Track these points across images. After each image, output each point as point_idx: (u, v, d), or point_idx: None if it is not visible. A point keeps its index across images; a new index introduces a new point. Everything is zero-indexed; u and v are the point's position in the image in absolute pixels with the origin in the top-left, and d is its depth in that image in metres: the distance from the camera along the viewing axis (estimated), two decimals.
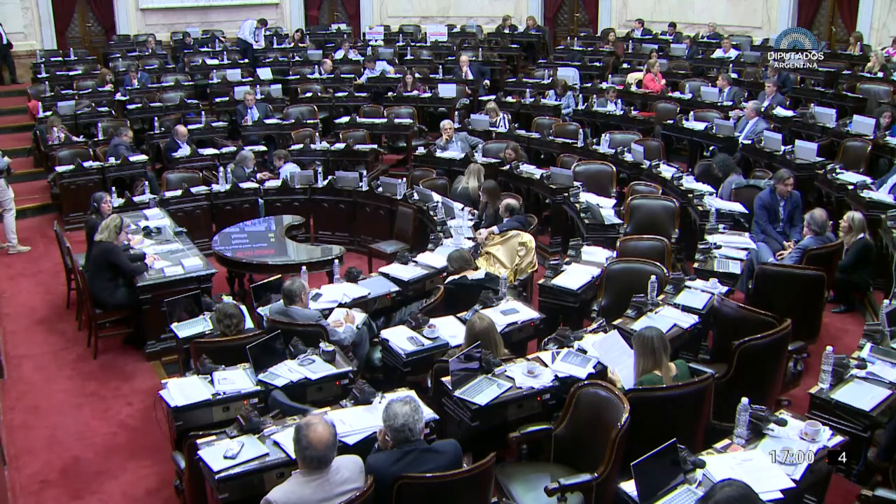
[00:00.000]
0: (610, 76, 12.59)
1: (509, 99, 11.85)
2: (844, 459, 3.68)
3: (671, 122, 10.08)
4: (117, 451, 5.12)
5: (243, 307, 5.38)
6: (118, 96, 12.11)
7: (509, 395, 4.25)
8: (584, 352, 4.66)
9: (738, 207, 7.15)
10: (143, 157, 9.55)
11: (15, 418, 5.51)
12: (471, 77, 12.83)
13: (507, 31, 15.70)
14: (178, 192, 8.37)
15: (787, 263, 6.12)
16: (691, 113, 10.17)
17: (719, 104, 10.43)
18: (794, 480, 3.45)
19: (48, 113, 10.77)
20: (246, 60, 14.05)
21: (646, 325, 4.66)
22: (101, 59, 14.57)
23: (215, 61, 13.83)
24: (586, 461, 3.80)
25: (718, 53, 12.97)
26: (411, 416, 3.42)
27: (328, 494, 3.24)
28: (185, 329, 5.35)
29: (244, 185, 8.61)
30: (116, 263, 6.18)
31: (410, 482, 3.32)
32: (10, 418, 5.51)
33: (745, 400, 3.76)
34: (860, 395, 4.12)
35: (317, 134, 10.36)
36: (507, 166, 8.85)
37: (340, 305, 5.53)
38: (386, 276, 6.13)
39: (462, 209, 7.31)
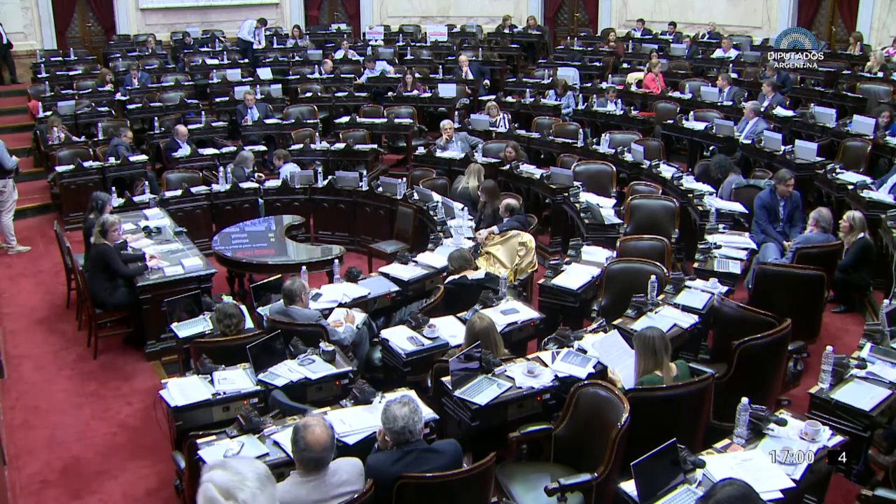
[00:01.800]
0: (610, 76, 12.60)
1: (509, 99, 11.85)
2: (844, 459, 3.68)
3: (671, 122, 10.08)
4: (117, 451, 5.12)
5: (243, 307, 5.38)
6: (118, 96, 12.12)
7: (509, 395, 4.25)
8: (584, 352, 4.66)
9: (738, 207, 7.15)
10: (143, 157, 9.56)
11: (15, 418, 5.51)
12: (471, 77, 12.83)
13: (507, 31, 15.70)
14: (178, 192, 8.37)
15: (786, 262, 6.13)
16: (691, 113, 10.17)
17: (719, 104, 10.43)
18: (794, 480, 3.45)
19: (48, 113, 10.78)
20: (246, 60, 14.06)
21: (646, 325, 4.67)
22: (101, 59, 14.57)
23: (215, 61, 13.83)
24: (586, 461, 3.80)
25: (718, 53, 12.97)
26: (410, 418, 3.41)
27: (324, 496, 3.23)
28: (185, 329, 5.35)
29: (244, 185, 8.61)
30: (112, 266, 6.18)
31: (410, 482, 3.32)
32: (10, 418, 5.51)
33: (745, 400, 3.76)
34: (860, 395, 4.12)
35: (317, 134, 10.36)
36: (507, 166, 8.86)
37: (340, 305, 5.53)
38: (386, 276, 6.13)
39: (462, 209, 7.31)
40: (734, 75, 11.44)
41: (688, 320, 5.08)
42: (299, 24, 16.51)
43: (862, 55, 11.90)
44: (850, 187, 7.30)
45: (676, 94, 11.29)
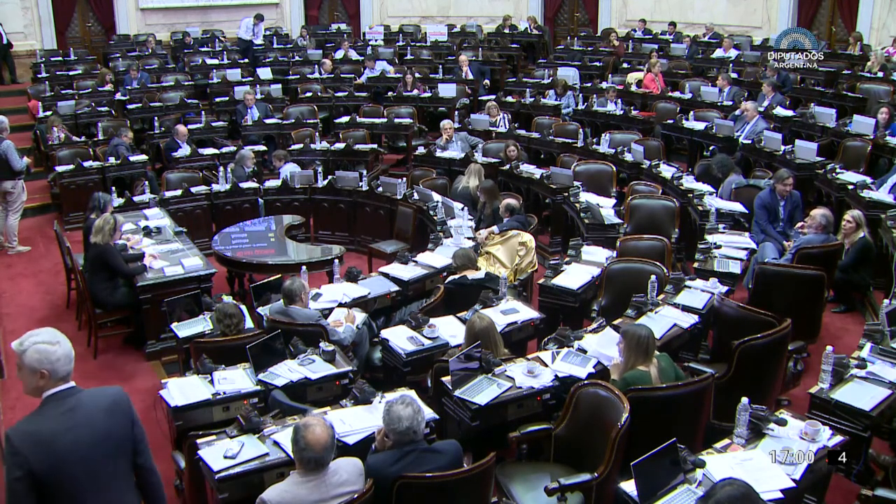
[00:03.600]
0: (610, 76, 12.60)
1: (509, 99, 11.86)
2: (844, 459, 3.67)
3: (671, 121, 10.08)
4: None
5: (243, 307, 5.38)
6: (118, 96, 12.13)
7: (509, 394, 4.25)
8: (584, 352, 4.66)
9: (738, 207, 7.15)
10: (143, 157, 9.57)
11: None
12: (471, 77, 12.83)
13: (507, 31, 15.70)
14: (178, 192, 8.37)
15: (786, 262, 6.13)
16: (691, 113, 10.17)
17: (719, 104, 10.43)
18: (794, 480, 3.45)
19: (48, 113, 10.79)
20: (246, 60, 14.07)
21: (643, 323, 4.67)
22: (101, 59, 14.58)
23: (215, 61, 13.83)
24: (586, 461, 3.80)
25: (718, 53, 12.98)
26: (414, 418, 3.41)
27: (324, 496, 3.23)
28: (185, 329, 5.35)
29: (244, 185, 8.61)
30: (113, 266, 6.18)
31: (410, 482, 3.32)
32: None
33: (745, 400, 3.76)
34: (860, 395, 4.11)
35: (317, 134, 10.37)
36: (507, 166, 8.86)
37: (340, 305, 5.53)
38: (386, 275, 6.13)
39: (462, 209, 7.32)
40: (734, 75, 11.44)
41: (688, 320, 5.08)
42: (300, 25, 16.55)
43: (861, 55, 11.91)
44: (850, 187, 7.30)
45: (676, 94, 11.29)
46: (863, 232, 6.29)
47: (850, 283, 6.41)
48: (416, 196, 7.91)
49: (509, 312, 5.28)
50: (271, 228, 7.83)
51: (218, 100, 12.09)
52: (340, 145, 9.96)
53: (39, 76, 12.82)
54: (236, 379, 4.51)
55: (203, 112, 11.50)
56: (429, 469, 3.39)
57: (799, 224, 6.77)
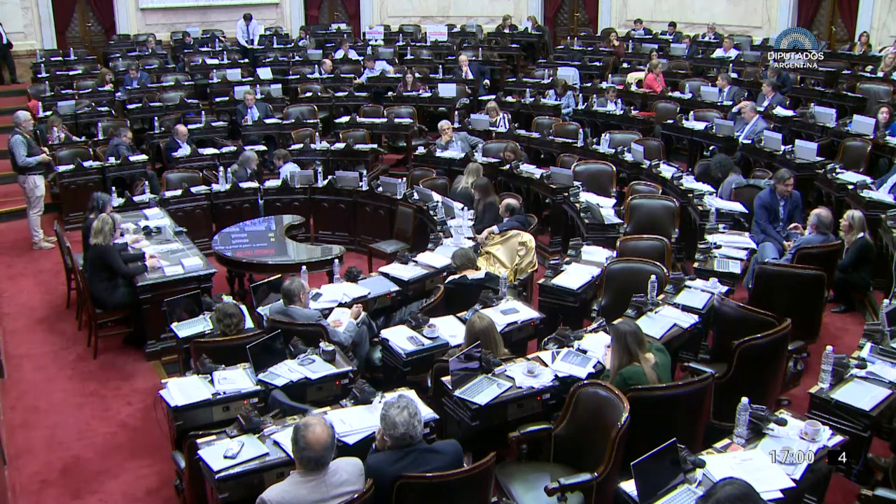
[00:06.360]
0: (610, 76, 12.60)
1: (509, 99, 11.86)
2: (844, 459, 3.67)
3: (671, 121, 10.08)
4: (117, 450, 5.12)
5: (243, 307, 5.38)
6: (118, 96, 12.13)
7: (509, 394, 4.25)
8: (584, 352, 4.66)
9: (738, 207, 7.15)
10: (143, 157, 9.57)
11: (15, 418, 5.51)
12: (471, 77, 12.83)
13: (507, 31, 15.70)
14: (178, 192, 8.37)
15: (786, 262, 6.13)
16: (691, 113, 10.17)
17: (719, 104, 10.43)
18: (794, 480, 3.45)
19: (48, 113, 10.79)
20: (246, 60, 14.07)
21: (646, 324, 4.68)
22: (101, 59, 14.58)
23: (215, 61, 13.83)
24: (586, 461, 3.80)
25: (718, 53, 12.98)
26: (410, 423, 3.39)
27: (324, 496, 3.23)
28: (185, 329, 5.34)
29: (244, 185, 8.61)
30: (112, 266, 6.18)
31: (410, 482, 3.32)
32: (10, 418, 5.51)
33: (745, 400, 3.76)
34: (860, 395, 4.11)
35: (317, 134, 10.37)
36: (507, 166, 8.86)
37: (340, 305, 5.53)
38: (386, 275, 6.13)
39: (462, 209, 7.32)
40: (734, 75, 11.44)
41: (688, 320, 5.08)
42: (300, 25, 16.57)
43: (863, 55, 11.89)
44: (850, 187, 7.30)
45: (676, 94, 11.28)
46: (861, 232, 6.28)
47: (850, 283, 6.41)
48: (416, 196, 7.91)
49: (509, 312, 5.27)
50: (271, 228, 7.83)
51: (218, 100, 12.09)
52: (340, 145, 9.96)
53: (39, 76, 12.82)
54: (236, 379, 4.51)
55: (203, 112, 11.50)
56: (429, 469, 3.39)
57: (792, 224, 6.77)
